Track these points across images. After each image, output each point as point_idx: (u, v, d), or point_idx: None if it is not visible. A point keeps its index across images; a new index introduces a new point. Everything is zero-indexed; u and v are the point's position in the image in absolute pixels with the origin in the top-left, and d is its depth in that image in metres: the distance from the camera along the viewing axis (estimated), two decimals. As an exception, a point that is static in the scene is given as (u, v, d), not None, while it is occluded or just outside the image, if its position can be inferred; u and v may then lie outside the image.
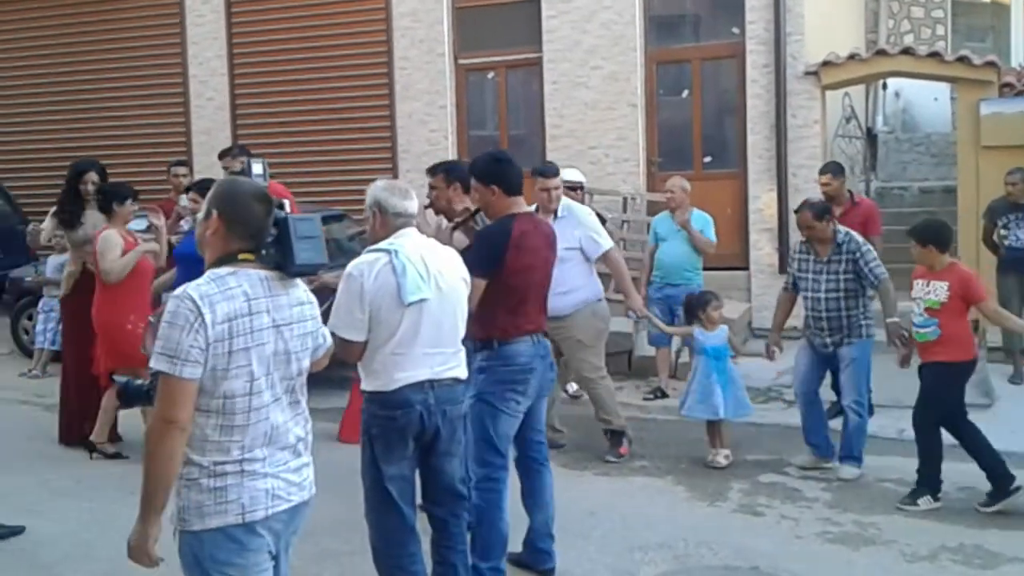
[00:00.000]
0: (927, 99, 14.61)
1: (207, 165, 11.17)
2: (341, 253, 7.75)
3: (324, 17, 12.03)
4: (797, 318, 6.60)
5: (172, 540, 2.80)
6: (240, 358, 2.72)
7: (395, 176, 11.06)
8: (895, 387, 6.77)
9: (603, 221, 7.75)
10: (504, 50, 11.46)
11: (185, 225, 7.28)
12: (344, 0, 11.97)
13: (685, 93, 11.12)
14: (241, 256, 2.83)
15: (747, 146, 10.39)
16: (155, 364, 2.68)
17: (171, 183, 8.59)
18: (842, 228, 6.24)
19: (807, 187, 9.36)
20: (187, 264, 6.28)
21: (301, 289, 2.98)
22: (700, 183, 9.68)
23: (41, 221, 7.58)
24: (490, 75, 11.75)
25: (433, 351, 3.84)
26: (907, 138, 14.40)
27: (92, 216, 7.03)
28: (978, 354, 5.90)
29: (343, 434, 6.83)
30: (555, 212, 6.31)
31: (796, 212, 6.39)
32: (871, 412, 6.69)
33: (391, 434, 3.82)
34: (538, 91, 11.23)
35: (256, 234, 2.85)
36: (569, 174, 8.06)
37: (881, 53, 10.35)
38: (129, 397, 3.06)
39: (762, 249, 10.32)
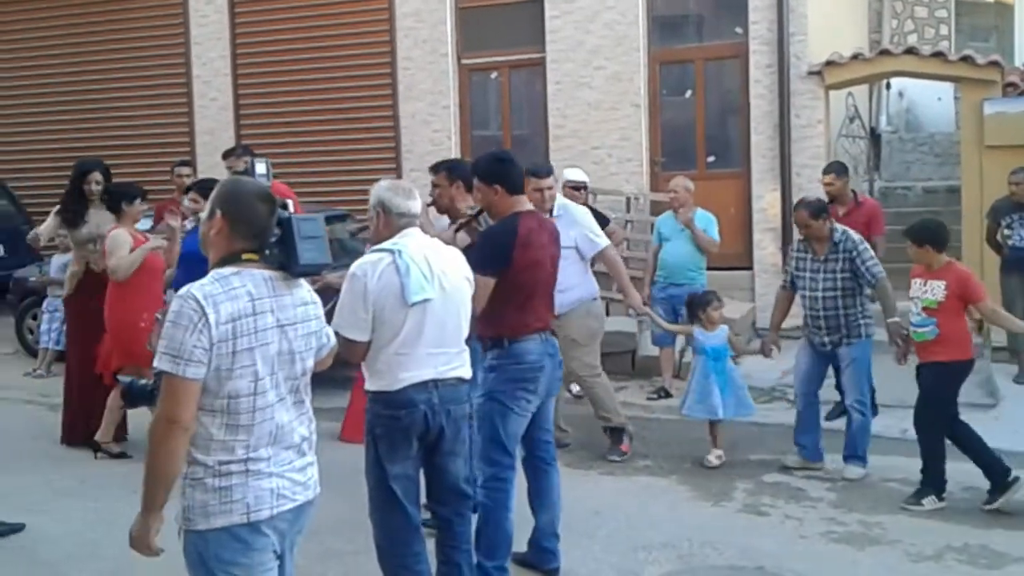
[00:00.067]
0: (931, 99, 14.59)
1: (211, 165, 11.18)
2: (344, 253, 7.74)
3: (327, 17, 12.05)
4: (798, 317, 6.60)
5: (175, 539, 2.80)
6: (244, 358, 2.72)
7: (398, 176, 11.06)
8: (899, 387, 6.75)
9: (607, 221, 7.78)
10: (507, 50, 11.46)
11: (188, 225, 7.27)
12: (348, 0, 11.99)
13: (688, 93, 11.11)
14: (245, 256, 2.83)
15: (751, 146, 10.39)
16: (158, 363, 2.68)
17: (175, 183, 8.60)
18: (839, 227, 6.24)
19: (811, 187, 9.35)
20: (189, 263, 6.30)
21: (305, 289, 2.98)
22: (703, 183, 9.67)
23: (42, 223, 7.58)
24: (493, 75, 11.76)
25: (437, 351, 3.84)
26: (911, 138, 14.38)
27: (95, 215, 7.04)
28: (976, 354, 5.89)
29: (345, 433, 6.84)
30: (550, 212, 6.30)
31: (793, 211, 6.40)
32: (875, 412, 6.69)
33: (395, 434, 3.82)
34: (541, 91, 11.24)
35: (260, 234, 2.85)
36: (572, 174, 8.07)
37: (885, 53, 10.34)
38: (133, 397, 3.06)
39: (766, 249, 10.31)
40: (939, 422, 5.64)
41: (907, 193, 12.98)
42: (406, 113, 11.74)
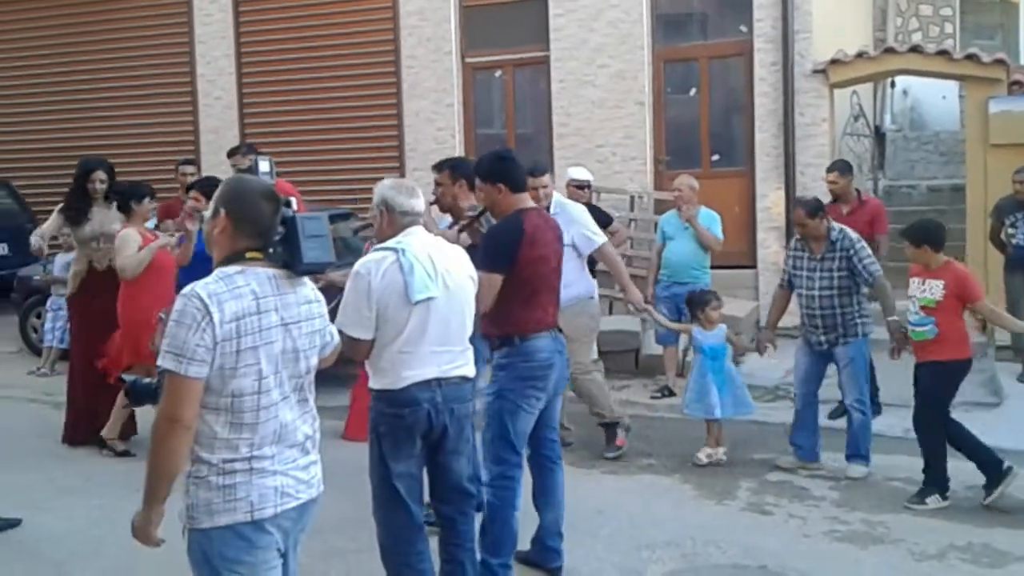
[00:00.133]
0: (935, 97, 14.58)
1: (215, 164, 11.21)
2: (348, 251, 7.76)
3: (331, 16, 12.05)
4: (797, 316, 6.59)
5: (179, 535, 2.81)
6: (248, 356, 2.73)
7: (402, 174, 11.09)
8: (901, 386, 6.73)
9: (610, 220, 7.77)
10: (511, 48, 11.46)
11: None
12: (351, -1, 12.02)
13: (692, 91, 11.11)
14: (249, 254, 2.83)
15: (755, 144, 10.38)
16: (162, 362, 2.69)
17: (179, 182, 8.61)
18: (837, 225, 6.22)
19: (815, 185, 9.35)
20: (193, 262, 6.33)
21: (309, 287, 2.98)
22: (708, 181, 9.65)
23: (46, 222, 7.58)
24: (497, 73, 11.76)
25: (441, 349, 3.84)
26: (915, 136, 14.36)
27: (99, 213, 7.05)
28: (980, 353, 5.89)
29: (348, 432, 6.84)
30: (546, 209, 6.29)
31: (792, 210, 6.40)
32: (878, 411, 6.67)
33: (399, 432, 3.83)
34: (545, 89, 11.24)
35: (264, 232, 2.86)
36: (576, 173, 8.06)
37: (889, 51, 10.33)
38: (137, 395, 3.06)
39: (769, 247, 10.30)
40: (938, 421, 5.64)
41: (911, 192, 12.96)
42: (410, 111, 11.74)
